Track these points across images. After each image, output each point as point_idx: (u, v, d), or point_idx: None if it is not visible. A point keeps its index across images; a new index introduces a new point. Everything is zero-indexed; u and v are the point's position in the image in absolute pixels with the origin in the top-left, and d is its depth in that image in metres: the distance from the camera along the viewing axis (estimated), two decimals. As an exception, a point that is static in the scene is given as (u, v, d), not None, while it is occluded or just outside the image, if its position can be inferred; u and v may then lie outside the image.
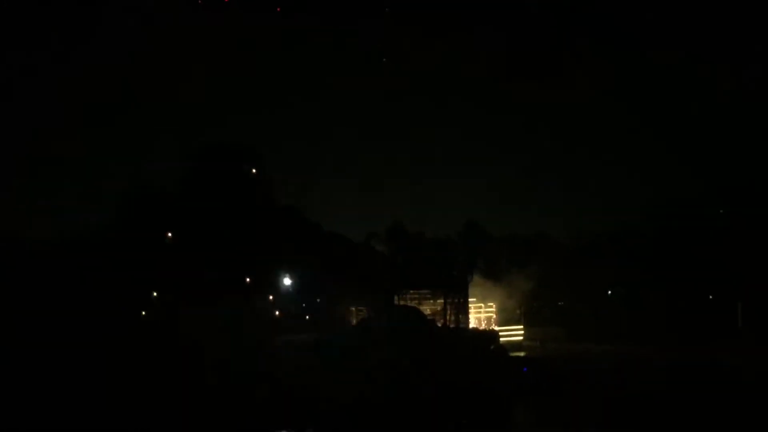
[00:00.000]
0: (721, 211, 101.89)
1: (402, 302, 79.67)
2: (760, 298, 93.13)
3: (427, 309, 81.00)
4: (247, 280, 72.10)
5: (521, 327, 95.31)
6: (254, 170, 76.62)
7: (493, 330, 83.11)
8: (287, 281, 73.02)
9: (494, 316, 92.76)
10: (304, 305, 75.21)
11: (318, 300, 75.13)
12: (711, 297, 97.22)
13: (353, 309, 75.58)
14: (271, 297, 73.35)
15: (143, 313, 65.09)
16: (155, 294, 67.97)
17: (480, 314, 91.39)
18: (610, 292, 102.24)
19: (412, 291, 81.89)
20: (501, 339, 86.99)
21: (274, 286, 72.62)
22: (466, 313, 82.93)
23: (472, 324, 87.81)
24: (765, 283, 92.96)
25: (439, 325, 76.95)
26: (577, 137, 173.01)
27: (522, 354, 79.12)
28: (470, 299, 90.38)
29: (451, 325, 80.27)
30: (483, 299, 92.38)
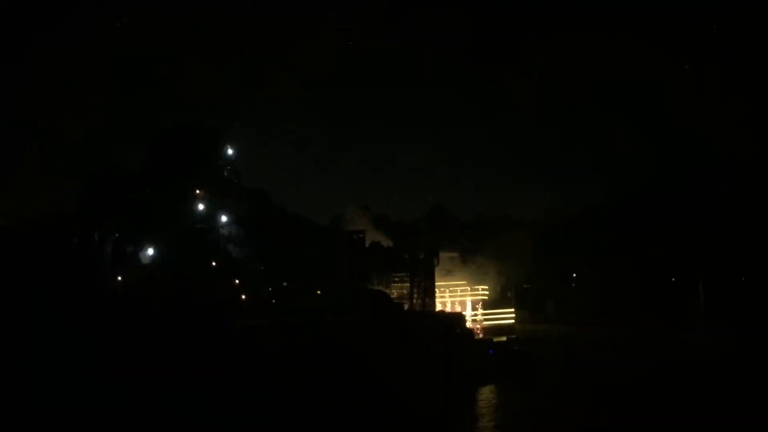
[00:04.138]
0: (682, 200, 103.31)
1: (369, 286, 79.19)
2: (721, 279, 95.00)
3: (394, 292, 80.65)
4: (213, 264, 71.26)
5: (512, 309, 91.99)
6: (218, 151, 75.53)
7: (459, 313, 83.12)
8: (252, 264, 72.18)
9: (484, 299, 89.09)
10: (270, 289, 74.36)
11: (284, 284, 74.38)
12: (673, 279, 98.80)
13: (319, 293, 74.92)
14: (237, 281, 72.53)
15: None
16: (119, 278, 67.04)
17: (465, 298, 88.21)
18: (575, 274, 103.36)
19: (379, 274, 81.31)
20: (488, 323, 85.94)
21: (238, 269, 71.70)
22: (433, 296, 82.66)
23: (457, 308, 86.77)
24: (726, 264, 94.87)
25: (406, 308, 76.68)
26: (543, 122, 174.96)
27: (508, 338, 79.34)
28: (459, 283, 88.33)
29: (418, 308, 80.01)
30: (477, 282, 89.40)
